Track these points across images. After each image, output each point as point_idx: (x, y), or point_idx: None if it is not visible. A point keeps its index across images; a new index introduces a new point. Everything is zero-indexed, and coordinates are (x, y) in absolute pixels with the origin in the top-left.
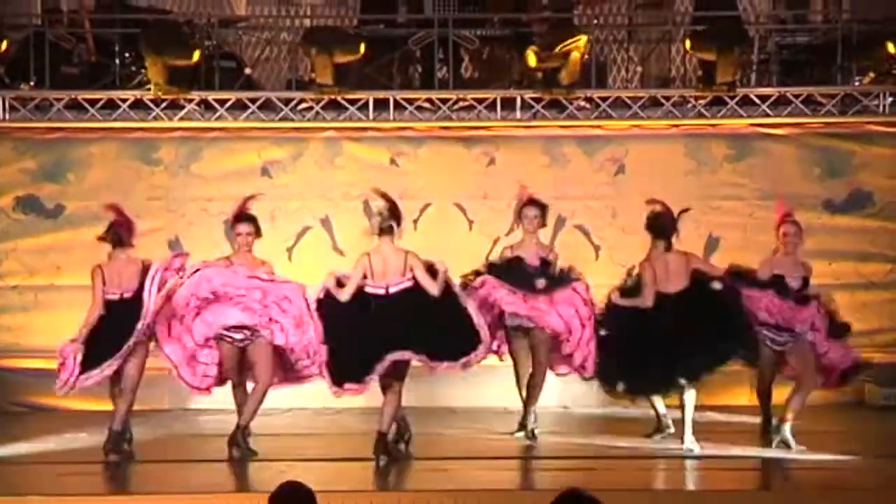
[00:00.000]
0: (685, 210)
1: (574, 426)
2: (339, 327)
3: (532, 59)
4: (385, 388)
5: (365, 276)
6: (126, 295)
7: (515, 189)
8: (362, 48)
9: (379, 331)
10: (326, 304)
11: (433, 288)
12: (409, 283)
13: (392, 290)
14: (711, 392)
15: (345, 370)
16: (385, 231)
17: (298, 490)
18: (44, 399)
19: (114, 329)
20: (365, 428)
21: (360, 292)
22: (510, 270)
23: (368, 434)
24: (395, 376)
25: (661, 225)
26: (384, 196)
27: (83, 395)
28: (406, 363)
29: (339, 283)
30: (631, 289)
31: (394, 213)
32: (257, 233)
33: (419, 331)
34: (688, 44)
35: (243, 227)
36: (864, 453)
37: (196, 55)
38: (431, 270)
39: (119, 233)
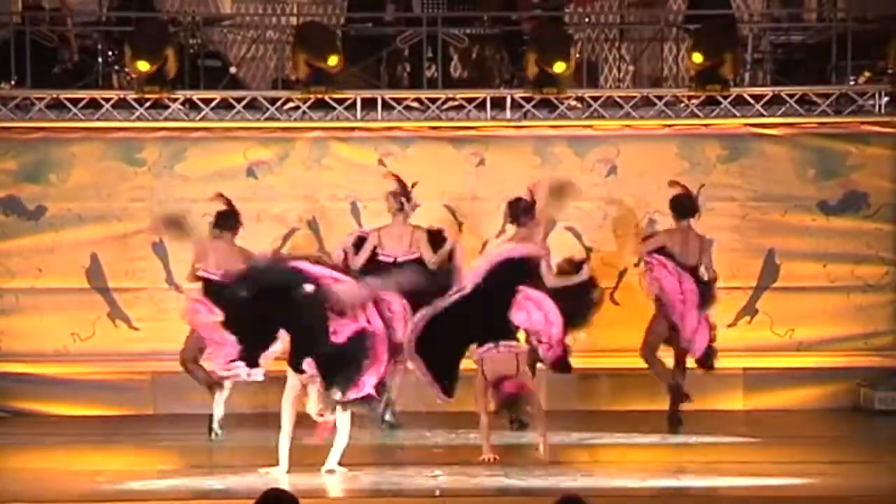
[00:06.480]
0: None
1: None
2: None
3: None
4: None
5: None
6: None
7: (504, 190)
8: None
9: None
10: None
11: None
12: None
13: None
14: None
15: None
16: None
17: (282, 498)
18: (26, 404)
19: None
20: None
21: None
22: None
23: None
24: None
25: None
26: (397, 179)
27: (65, 401)
28: None
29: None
30: None
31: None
32: None
33: None
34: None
35: None
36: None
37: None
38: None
39: None
